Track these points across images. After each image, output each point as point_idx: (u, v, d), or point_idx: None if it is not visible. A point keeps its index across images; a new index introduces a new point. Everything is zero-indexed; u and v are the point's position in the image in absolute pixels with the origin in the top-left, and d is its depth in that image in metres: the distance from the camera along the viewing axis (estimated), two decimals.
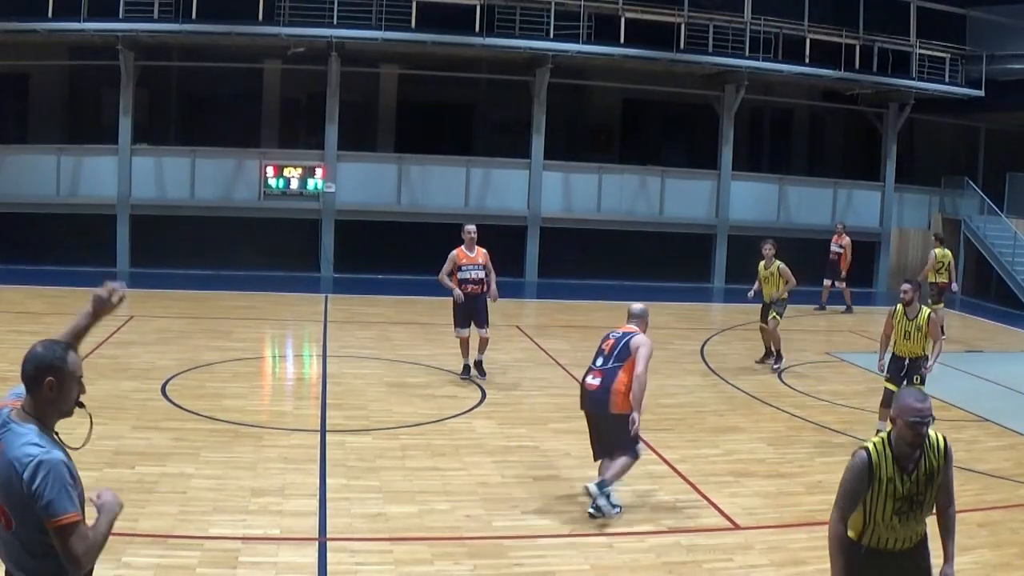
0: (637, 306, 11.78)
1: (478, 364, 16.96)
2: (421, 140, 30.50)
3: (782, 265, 19.19)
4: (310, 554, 9.25)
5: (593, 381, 11.10)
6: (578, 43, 28.66)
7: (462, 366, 16.82)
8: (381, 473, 11.59)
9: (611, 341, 11.29)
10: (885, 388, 14.40)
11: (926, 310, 14.78)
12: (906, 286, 14.78)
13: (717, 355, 20.49)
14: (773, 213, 34.02)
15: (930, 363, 14.83)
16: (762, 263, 19.67)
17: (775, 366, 19.44)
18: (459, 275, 16.54)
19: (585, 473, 12.02)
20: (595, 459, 11.26)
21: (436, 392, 15.53)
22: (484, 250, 17.04)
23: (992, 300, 33.97)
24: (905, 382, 14.01)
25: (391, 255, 27.96)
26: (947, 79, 34.39)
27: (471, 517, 10.37)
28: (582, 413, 11.44)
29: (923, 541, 6.78)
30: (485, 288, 16.76)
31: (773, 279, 19.30)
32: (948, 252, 25.61)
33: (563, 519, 10.56)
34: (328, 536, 9.66)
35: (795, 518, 11.31)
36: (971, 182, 36.23)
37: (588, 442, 11.37)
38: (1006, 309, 31.86)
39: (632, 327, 11.46)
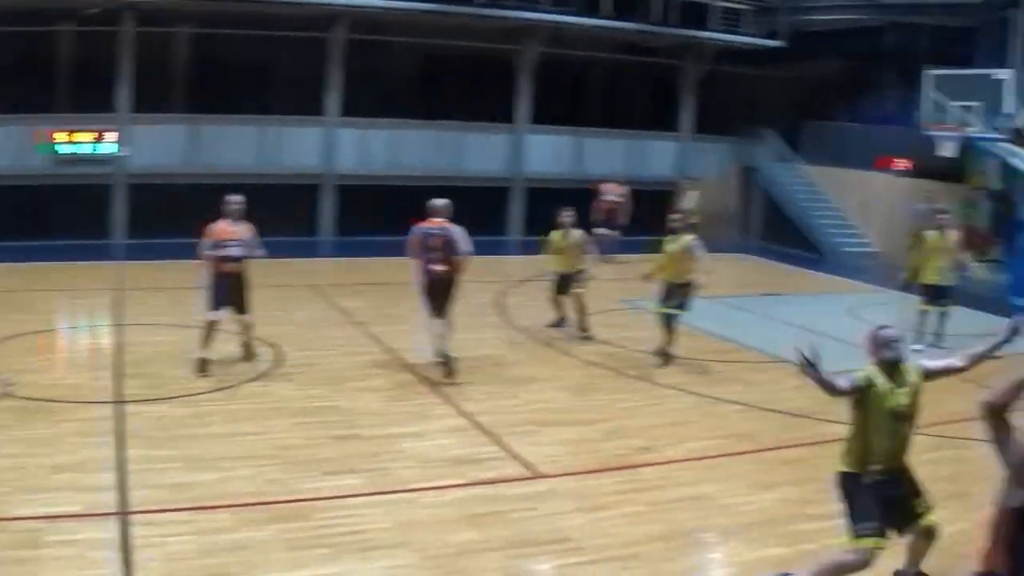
0: (440, 201, 15.27)
1: (246, 345, 15.40)
2: (216, 100, 30.04)
3: (583, 233, 19.04)
4: (114, 529, 9.12)
5: (441, 268, 14.78)
6: None
7: (196, 359, 14.60)
8: (181, 442, 11.49)
9: (438, 239, 14.76)
10: None
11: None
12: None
13: (515, 307, 20.74)
14: (570, 165, 34.41)
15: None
16: (559, 232, 18.79)
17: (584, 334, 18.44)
18: (218, 251, 14.70)
19: (386, 431, 12.19)
20: (432, 317, 15.04)
21: (232, 356, 15.34)
22: (250, 224, 15.14)
23: (788, 245, 34.88)
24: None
25: (186, 218, 27.50)
26: (745, 30, 35.10)
27: (273, 481, 10.40)
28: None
29: (907, 466, 8.32)
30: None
31: (571, 250, 18.69)
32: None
33: (365, 478, 10.68)
34: (131, 509, 9.54)
35: (597, 463, 11.67)
36: (767, 131, 37.17)
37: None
38: (801, 253, 32.81)
39: (442, 220, 14.97)
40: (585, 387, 15.22)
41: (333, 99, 30.07)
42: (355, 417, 12.90)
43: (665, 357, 16.88)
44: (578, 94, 39.14)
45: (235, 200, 14.98)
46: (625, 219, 28.53)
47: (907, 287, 20.53)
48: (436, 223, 14.95)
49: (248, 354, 15.31)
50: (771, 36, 35.25)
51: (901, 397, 8.14)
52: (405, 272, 22.29)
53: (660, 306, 17.02)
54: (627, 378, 15.85)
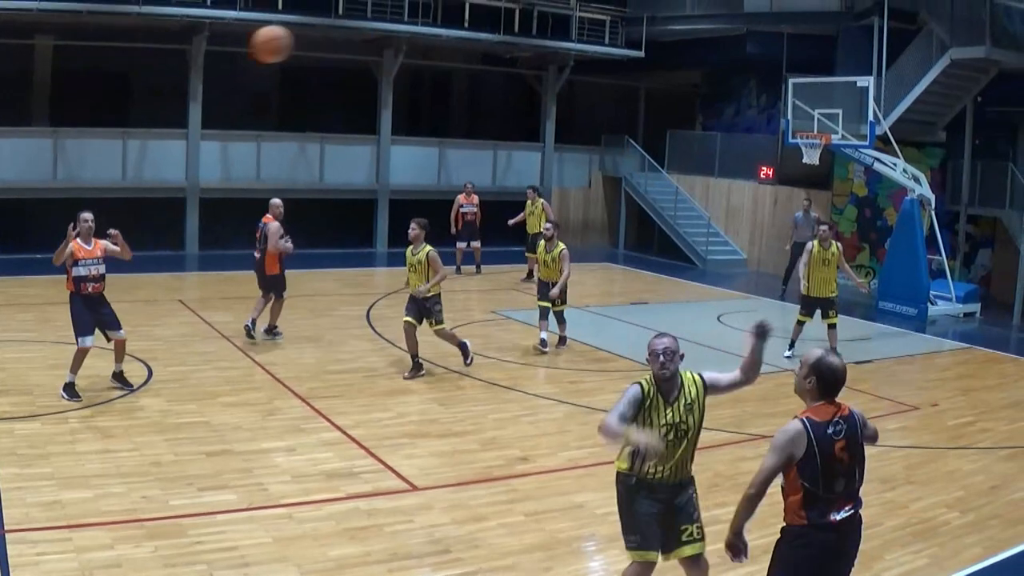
0: (275, 200, 17.23)
1: (118, 375, 14.62)
2: (78, 112, 29.53)
3: (432, 252, 16.38)
4: None
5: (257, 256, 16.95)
6: (236, 10, 28.15)
7: (64, 384, 13.94)
8: (53, 459, 11.26)
9: (258, 231, 16.92)
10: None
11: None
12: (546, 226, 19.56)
13: (383, 319, 20.65)
14: (434, 176, 34.44)
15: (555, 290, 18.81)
16: (409, 248, 16.65)
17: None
18: (75, 271, 14.03)
19: (259, 445, 12.10)
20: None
21: (102, 372, 14.95)
22: (103, 242, 14.35)
23: (655, 253, 35.34)
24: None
25: (47, 233, 27.00)
26: (607, 41, 35.45)
27: (147, 498, 10.24)
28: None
29: (690, 483, 7.99)
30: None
31: (420, 268, 16.33)
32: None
33: (240, 493, 10.57)
34: (5, 528, 9.35)
35: (473, 475, 11.71)
36: (631, 140, 37.53)
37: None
38: (668, 261, 33.28)
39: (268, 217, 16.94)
40: (458, 399, 15.25)
41: (195, 111, 29.68)
42: (227, 432, 12.73)
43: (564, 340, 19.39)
44: (442, 105, 39.26)
45: (86, 217, 14.26)
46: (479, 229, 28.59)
47: (783, 295, 20.81)
48: (264, 218, 16.92)
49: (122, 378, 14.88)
50: (633, 46, 35.56)
51: (676, 414, 7.71)
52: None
53: (540, 300, 19.16)
54: (499, 389, 15.89)
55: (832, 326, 19.08)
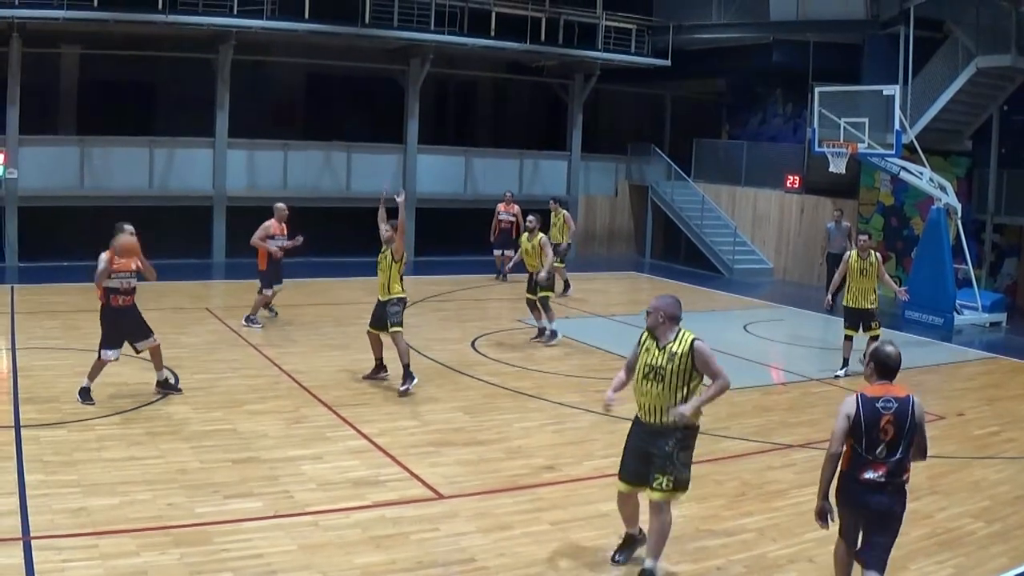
0: (279, 204, 16.25)
1: (162, 383, 14.78)
2: (104, 121, 29.64)
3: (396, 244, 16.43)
4: (16, 555, 8.93)
5: None
6: (262, 19, 28.28)
7: (80, 389, 14.16)
8: (79, 466, 11.26)
9: None
10: None
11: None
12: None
13: (409, 328, 20.50)
14: (460, 185, 34.50)
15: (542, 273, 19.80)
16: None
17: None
18: (107, 283, 14.03)
19: (285, 453, 12.10)
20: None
21: (129, 380, 15.09)
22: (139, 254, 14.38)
23: (681, 262, 35.31)
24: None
25: (76, 241, 27.11)
26: (633, 49, 35.47)
27: (173, 505, 10.24)
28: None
29: (675, 429, 9.11)
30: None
31: (384, 272, 16.21)
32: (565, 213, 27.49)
33: (266, 501, 10.57)
34: (32, 535, 9.35)
35: (497, 484, 11.68)
36: (657, 149, 37.51)
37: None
38: (695, 270, 33.28)
39: None
40: (483, 407, 15.20)
41: (221, 120, 29.77)
42: (253, 440, 12.74)
43: (543, 332, 20.22)
44: (468, 113, 39.31)
45: (130, 229, 14.36)
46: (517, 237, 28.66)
47: (831, 310, 20.70)
48: None
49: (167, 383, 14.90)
50: (659, 55, 35.56)
51: (657, 357, 9.23)
52: (298, 294, 22.43)
53: (527, 293, 20.26)
54: (525, 397, 15.87)
55: (875, 339, 18.17)
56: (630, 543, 9.79)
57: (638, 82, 38.46)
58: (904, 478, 8.20)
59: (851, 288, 18.78)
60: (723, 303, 27.39)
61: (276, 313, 21.54)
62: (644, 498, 9.40)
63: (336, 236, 28.93)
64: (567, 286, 26.69)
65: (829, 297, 20.00)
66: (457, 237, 23.76)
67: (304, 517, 10.23)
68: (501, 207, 28.76)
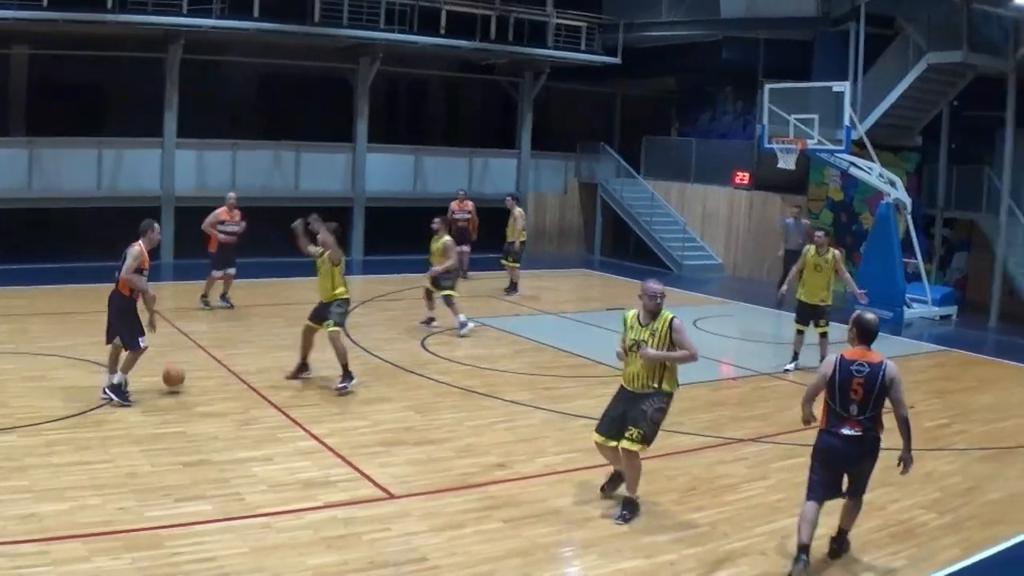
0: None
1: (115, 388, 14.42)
2: (53, 122, 29.41)
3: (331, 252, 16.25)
4: None
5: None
6: (212, 18, 28.17)
7: (111, 386, 14.30)
8: (29, 472, 11.14)
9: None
10: None
11: None
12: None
13: (358, 327, 20.56)
14: (410, 184, 34.48)
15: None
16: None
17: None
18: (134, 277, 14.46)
19: (235, 455, 12.07)
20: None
21: (78, 383, 14.96)
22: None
23: (630, 259, 35.42)
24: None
25: (25, 243, 26.95)
26: (583, 47, 35.60)
27: (124, 509, 10.16)
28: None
29: (653, 394, 10.64)
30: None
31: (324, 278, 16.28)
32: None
33: (217, 503, 10.51)
34: None
35: (448, 483, 11.68)
36: (607, 147, 37.62)
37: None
38: (644, 267, 33.29)
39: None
40: (434, 406, 15.17)
41: (170, 120, 29.60)
42: (204, 442, 12.65)
43: (431, 321, 21.33)
44: (418, 112, 39.26)
45: (158, 230, 15.18)
46: (475, 235, 28.73)
47: (782, 303, 20.82)
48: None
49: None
50: (609, 52, 35.65)
51: (640, 333, 10.71)
52: (248, 294, 22.37)
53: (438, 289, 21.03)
54: (476, 396, 15.88)
55: (823, 334, 18.76)
56: (617, 479, 11.35)
57: (588, 80, 38.53)
58: (878, 432, 9.46)
59: (805, 283, 18.92)
60: (673, 299, 27.02)
61: (232, 305, 22.05)
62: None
63: (286, 236, 28.75)
64: (514, 287, 26.77)
65: (783, 288, 20.11)
66: (407, 235, 23.84)
67: (255, 519, 10.18)
68: (455, 205, 28.77)
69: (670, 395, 10.78)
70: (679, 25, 35.71)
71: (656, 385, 10.65)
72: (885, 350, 10.10)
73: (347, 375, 15.70)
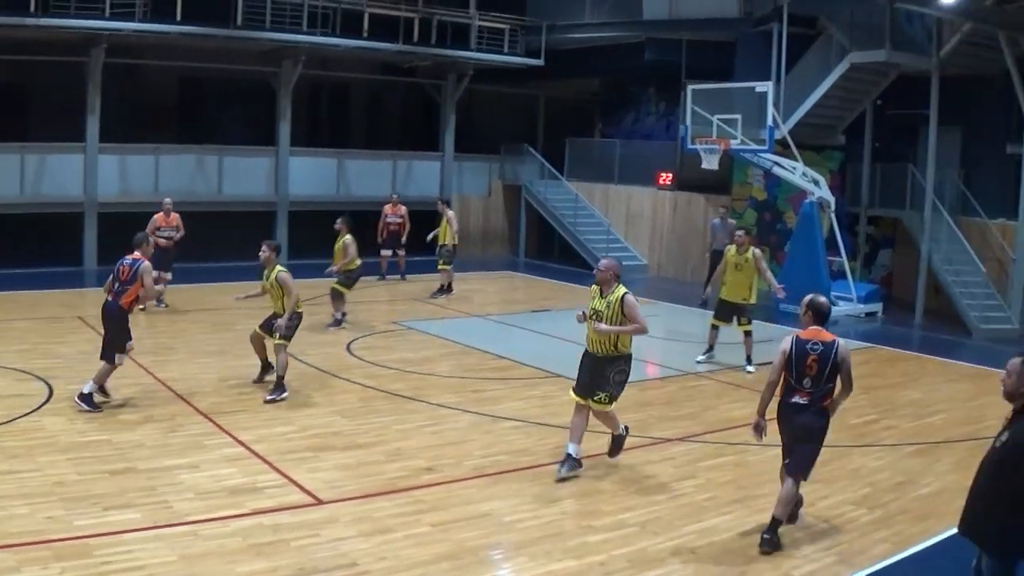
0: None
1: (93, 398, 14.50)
2: None
3: (281, 273, 16.39)
4: None
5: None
6: (134, 21, 27.95)
7: (84, 394, 14.37)
8: None
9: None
10: None
11: None
12: None
13: None
14: (333, 187, 34.41)
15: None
16: (264, 272, 16.61)
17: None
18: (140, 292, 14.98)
19: (162, 463, 12.00)
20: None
21: (3, 392, 14.90)
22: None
23: (555, 260, 35.54)
24: None
25: None
26: (506, 49, 35.70)
27: (53, 519, 10.07)
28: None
29: (614, 359, 12.14)
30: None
31: (274, 290, 16.28)
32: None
33: (145, 511, 10.43)
34: None
35: (377, 487, 11.65)
36: (531, 148, 37.71)
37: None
38: (569, 268, 33.47)
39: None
40: (361, 411, 15.17)
41: (92, 125, 29.35)
42: (130, 450, 12.54)
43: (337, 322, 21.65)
44: (341, 115, 39.14)
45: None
46: (405, 238, 28.92)
47: (705, 303, 21.00)
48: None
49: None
50: (532, 54, 35.75)
51: (598, 304, 12.16)
52: (172, 299, 22.25)
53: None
54: (403, 399, 15.88)
55: (748, 333, 19.26)
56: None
57: (511, 82, 38.65)
58: (824, 403, 10.35)
59: (727, 281, 19.25)
60: None
61: (166, 304, 22.64)
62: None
63: (209, 240, 28.65)
64: (449, 288, 26.91)
65: (708, 290, 20.28)
66: (331, 239, 23.70)
67: (183, 527, 10.10)
68: (388, 209, 28.94)
69: (628, 357, 12.29)
70: (602, 27, 35.91)
71: (613, 348, 12.12)
72: None
73: (280, 387, 15.59)
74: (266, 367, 16.46)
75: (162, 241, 22.48)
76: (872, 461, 13.56)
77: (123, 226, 21.35)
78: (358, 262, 21.59)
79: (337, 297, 21.75)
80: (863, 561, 10.10)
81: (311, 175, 33.94)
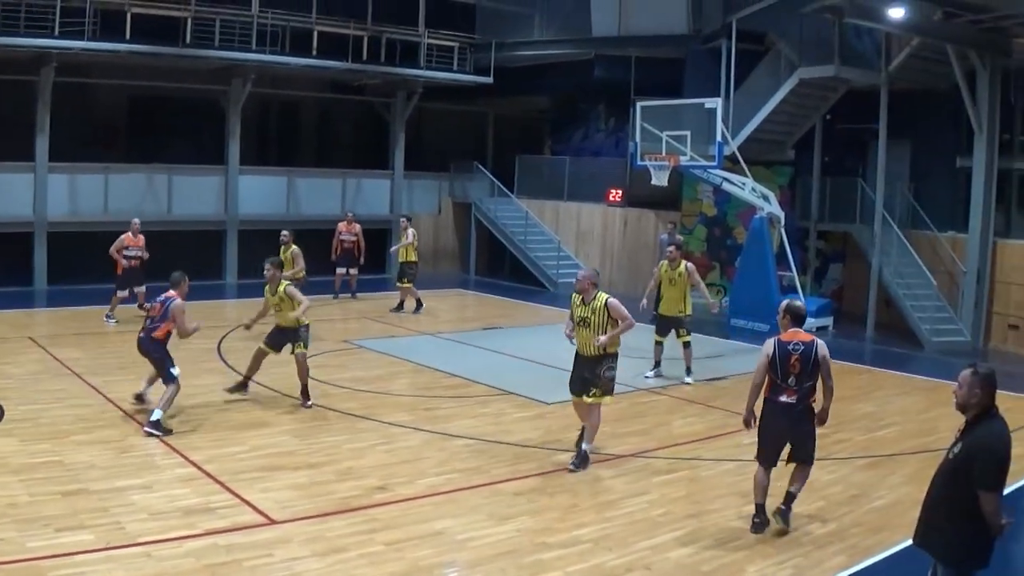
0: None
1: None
2: None
3: (290, 287, 16.70)
4: None
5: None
6: (83, 40, 27.81)
7: (155, 421, 14.49)
8: None
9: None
10: None
11: None
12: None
13: (234, 351, 20.40)
14: (283, 206, 34.33)
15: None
16: (266, 288, 16.94)
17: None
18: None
19: (114, 484, 11.93)
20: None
21: None
22: None
23: (506, 278, 35.55)
24: None
25: None
26: (455, 67, 35.74)
27: (4, 540, 10.00)
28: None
29: (602, 358, 13.33)
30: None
31: (285, 304, 16.63)
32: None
33: (98, 533, 10.36)
34: None
35: (331, 506, 11.64)
36: (480, 166, 37.79)
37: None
38: (520, 285, 33.51)
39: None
40: (313, 430, 15.13)
41: (42, 144, 29.16)
42: (82, 471, 12.46)
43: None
44: (291, 134, 39.09)
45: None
46: (361, 259, 29.05)
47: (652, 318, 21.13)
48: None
49: None
50: (482, 72, 35.81)
51: (584, 311, 13.33)
52: (121, 319, 22.12)
53: None
54: (355, 418, 15.86)
55: (686, 344, 19.55)
56: (581, 436, 13.72)
57: (461, 100, 38.70)
58: (810, 401, 11.16)
59: (663, 296, 19.70)
60: (548, 317, 27.57)
61: (116, 320, 23.24)
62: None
63: (159, 259, 28.49)
64: (418, 304, 27.29)
65: (643, 302, 20.41)
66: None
67: (137, 548, 10.05)
68: (342, 227, 29.01)
69: (615, 356, 13.56)
70: (551, 44, 36.06)
71: (603, 349, 13.26)
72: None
73: (306, 395, 16.57)
74: (246, 383, 16.78)
75: (126, 262, 23.61)
76: (825, 475, 13.61)
77: (73, 245, 21.27)
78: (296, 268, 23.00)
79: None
80: (819, 574, 10.20)
81: (261, 194, 33.81)
